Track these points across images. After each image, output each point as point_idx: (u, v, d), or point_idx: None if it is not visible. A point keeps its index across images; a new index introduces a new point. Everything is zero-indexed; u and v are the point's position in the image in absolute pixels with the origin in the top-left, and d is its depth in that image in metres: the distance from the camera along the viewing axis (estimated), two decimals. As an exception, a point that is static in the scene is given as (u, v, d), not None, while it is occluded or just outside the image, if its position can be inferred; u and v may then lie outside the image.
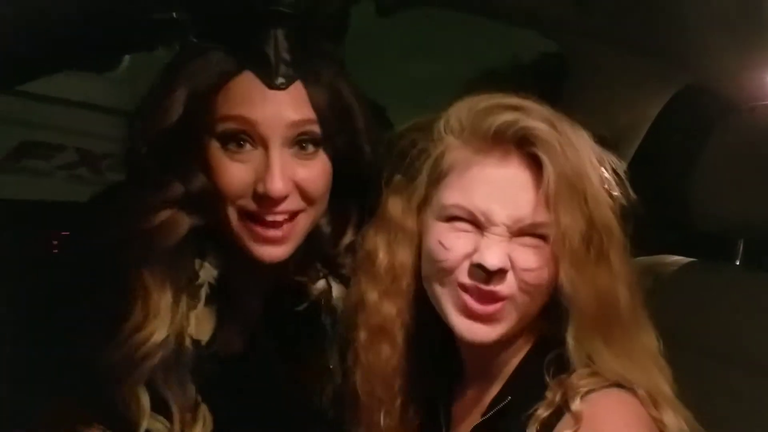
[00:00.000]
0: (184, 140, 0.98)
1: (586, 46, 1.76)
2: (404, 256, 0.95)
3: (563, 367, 0.86)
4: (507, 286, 0.86)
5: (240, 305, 1.10)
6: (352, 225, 1.09)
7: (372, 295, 0.96)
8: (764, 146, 1.34)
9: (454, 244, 0.88)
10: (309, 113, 0.99)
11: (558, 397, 0.83)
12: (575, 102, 1.75)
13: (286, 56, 0.98)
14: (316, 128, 0.99)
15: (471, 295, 0.87)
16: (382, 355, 0.96)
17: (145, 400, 0.99)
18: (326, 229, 1.08)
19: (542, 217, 0.85)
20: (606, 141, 0.91)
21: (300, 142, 0.99)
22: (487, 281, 0.86)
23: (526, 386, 0.88)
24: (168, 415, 1.02)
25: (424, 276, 0.93)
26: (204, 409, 1.04)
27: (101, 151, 3.02)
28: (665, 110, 1.75)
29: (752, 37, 1.56)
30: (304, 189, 0.99)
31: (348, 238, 1.08)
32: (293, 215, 1.00)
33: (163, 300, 0.99)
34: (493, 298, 0.87)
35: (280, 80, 0.97)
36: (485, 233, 0.86)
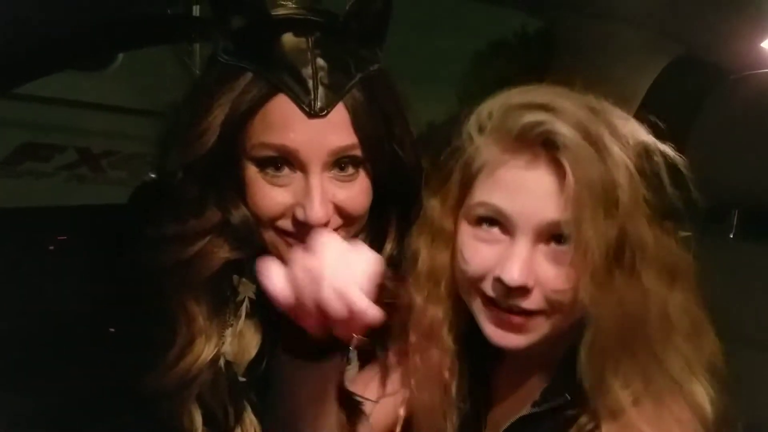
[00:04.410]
0: (220, 166, 0.94)
1: (574, 21, 1.76)
2: (443, 258, 0.91)
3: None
4: (533, 302, 0.82)
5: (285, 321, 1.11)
6: (391, 238, 1.03)
7: (418, 299, 0.93)
8: (756, 115, 1.35)
9: (475, 254, 0.85)
10: (351, 137, 0.92)
11: None
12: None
13: (326, 79, 0.90)
14: (358, 151, 0.93)
15: (497, 307, 0.84)
16: (433, 360, 0.93)
17: (198, 416, 1.02)
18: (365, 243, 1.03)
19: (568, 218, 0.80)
20: (660, 131, 0.85)
21: (340, 163, 0.94)
22: (510, 297, 0.81)
23: (574, 385, 0.84)
24: (216, 428, 1.04)
25: (457, 281, 0.90)
26: (252, 422, 1.06)
27: (101, 149, 3.04)
28: (657, 82, 1.75)
29: (742, 5, 1.55)
30: (344, 209, 0.95)
31: (387, 252, 1.03)
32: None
33: (206, 320, 0.99)
34: (519, 311, 0.82)
35: (320, 106, 0.90)
36: (511, 242, 0.82)
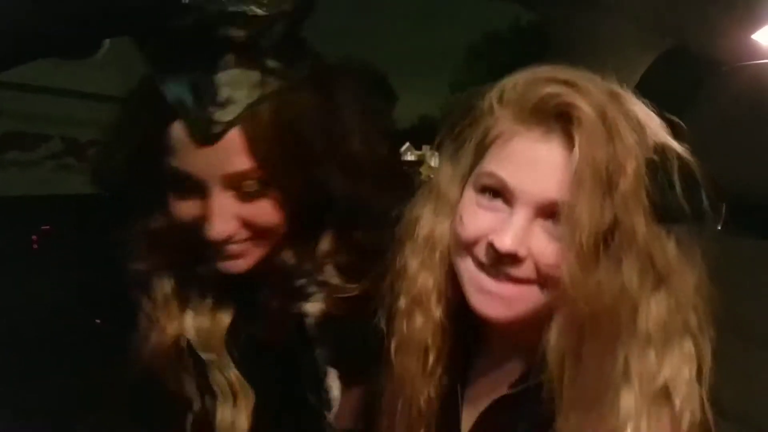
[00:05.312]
0: (141, 178, 0.95)
1: (566, 13, 1.76)
2: (444, 226, 0.91)
3: None
4: (523, 271, 0.82)
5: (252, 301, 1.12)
6: (326, 239, 1.03)
7: (412, 264, 0.93)
8: (748, 106, 1.35)
9: (473, 219, 0.85)
10: (246, 163, 0.89)
11: None
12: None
13: (221, 98, 0.86)
14: (256, 175, 0.90)
15: (487, 273, 0.84)
16: (416, 325, 0.93)
17: (190, 384, 1.06)
18: (290, 261, 1.03)
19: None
20: (680, 131, 0.84)
21: (242, 185, 0.91)
22: (501, 263, 0.82)
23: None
24: (211, 392, 1.08)
25: (450, 247, 0.90)
26: (243, 385, 1.09)
27: (87, 139, 3.01)
28: (648, 73, 1.75)
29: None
30: (254, 223, 0.94)
31: (321, 251, 1.03)
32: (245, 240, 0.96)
33: (169, 301, 1.02)
34: (508, 278, 0.83)
35: (213, 133, 0.87)
36: (510, 213, 0.82)
